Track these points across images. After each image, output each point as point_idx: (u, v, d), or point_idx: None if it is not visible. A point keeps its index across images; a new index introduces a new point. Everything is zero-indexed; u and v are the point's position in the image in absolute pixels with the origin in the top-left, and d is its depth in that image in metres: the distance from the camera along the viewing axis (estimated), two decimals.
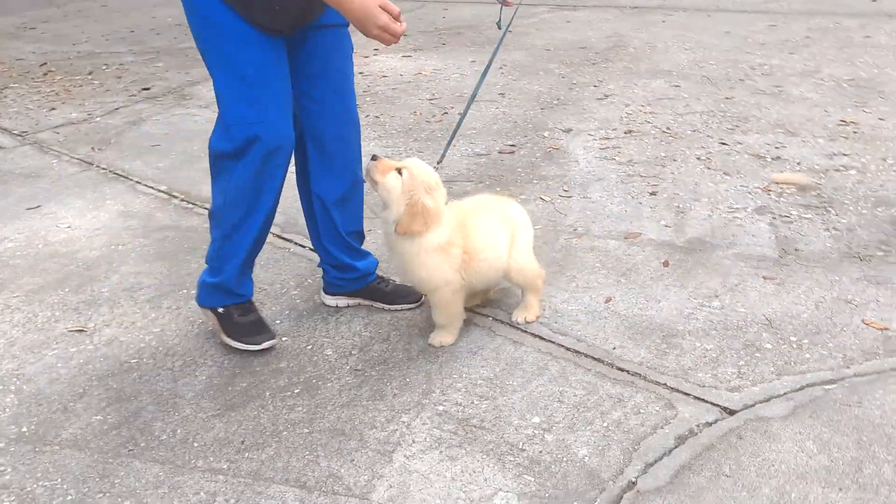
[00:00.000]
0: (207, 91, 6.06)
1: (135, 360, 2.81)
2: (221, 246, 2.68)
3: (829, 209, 3.78)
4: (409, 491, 2.18)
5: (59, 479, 2.27)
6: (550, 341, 2.83)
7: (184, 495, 2.20)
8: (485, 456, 2.29)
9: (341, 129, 2.70)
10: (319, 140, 2.69)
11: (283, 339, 2.92)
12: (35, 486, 2.24)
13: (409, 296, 3.05)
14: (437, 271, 2.61)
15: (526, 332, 2.88)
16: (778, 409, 2.43)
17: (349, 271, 2.98)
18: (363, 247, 3.06)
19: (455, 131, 2.87)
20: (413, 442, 2.36)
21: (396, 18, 2.27)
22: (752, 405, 2.45)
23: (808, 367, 2.63)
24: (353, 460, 2.30)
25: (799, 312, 2.93)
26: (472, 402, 2.52)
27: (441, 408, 2.51)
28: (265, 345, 2.76)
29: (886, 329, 2.81)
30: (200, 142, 4.96)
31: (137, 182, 4.42)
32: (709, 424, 2.38)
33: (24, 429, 2.48)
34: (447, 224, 2.61)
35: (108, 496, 2.19)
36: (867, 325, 2.84)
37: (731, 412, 2.43)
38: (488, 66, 3.01)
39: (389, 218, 2.60)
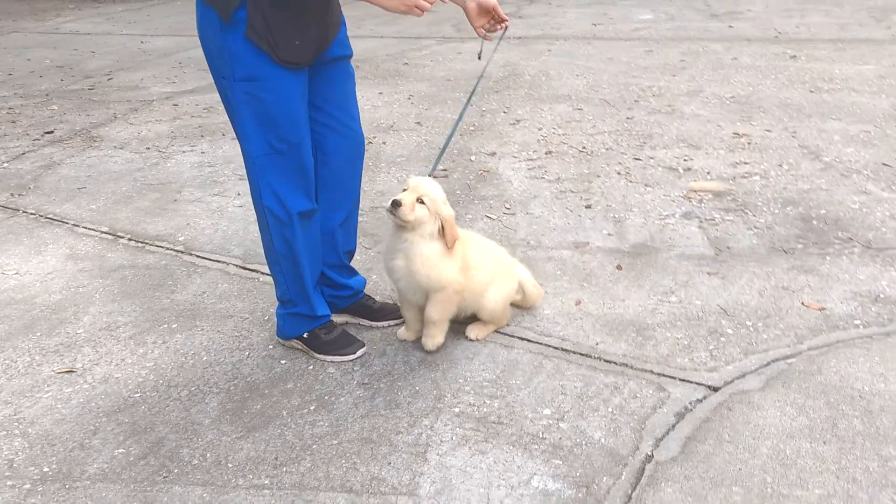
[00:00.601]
0: (117, 132, 6.04)
1: (138, 395, 2.86)
2: (285, 280, 2.88)
3: (746, 211, 4.25)
4: (451, 484, 2.37)
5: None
6: (538, 342, 3.09)
7: None
8: (511, 447, 2.52)
9: (352, 150, 2.89)
10: (331, 163, 2.86)
11: (282, 361, 3.04)
12: None
13: (394, 312, 3.24)
14: (448, 270, 2.83)
15: (514, 336, 3.13)
16: (753, 383, 2.78)
17: (343, 289, 3.15)
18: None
19: (442, 152, 3.11)
20: (441, 441, 2.56)
21: None
22: (731, 381, 2.79)
23: (767, 346, 3.01)
24: (390, 463, 2.47)
25: (747, 301, 3.33)
26: (484, 402, 2.74)
27: (457, 409, 2.71)
28: (360, 353, 3.02)
29: (823, 309, 3.24)
30: (128, 182, 4.98)
31: (75, 225, 4.39)
32: (699, 401, 2.70)
33: (46, 468, 2.50)
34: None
35: None
36: (807, 307, 3.27)
37: (715, 389, 2.76)
38: (471, 95, 3.28)
39: (423, 235, 2.80)
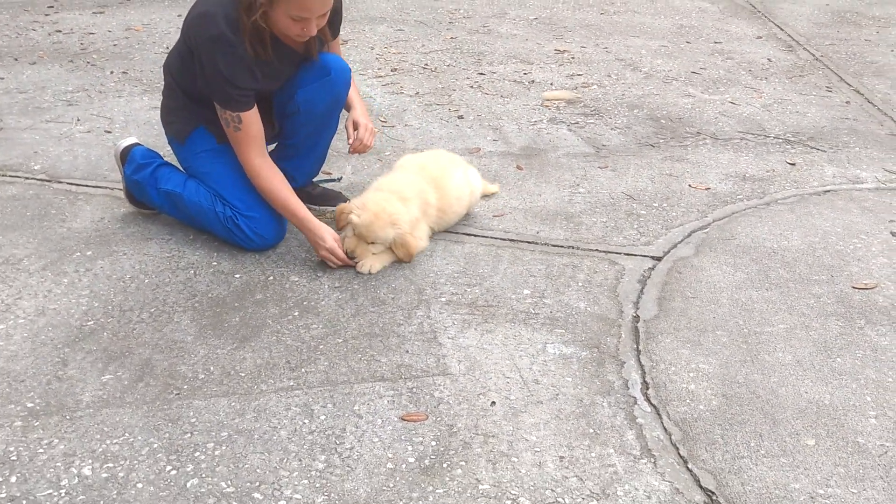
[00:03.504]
0: None
1: (91, 322, 2.66)
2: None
3: (601, 115, 4.69)
4: (477, 360, 2.52)
5: (128, 434, 2.19)
6: (485, 236, 3.28)
7: (277, 414, 2.28)
8: (512, 324, 2.71)
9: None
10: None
11: (237, 276, 2.96)
12: (106, 445, 2.14)
13: (336, 199, 3.33)
14: (418, 244, 3.09)
15: (460, 233, 3.29)
16: (686, 251, 3.19)
17: None
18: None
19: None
20: (445, 327, 2.68)
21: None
22: (669, 251, 3.18)
23: (680, 220, 3.44)
24: (408, 351, 2.56)
25: (644, 187, 3.75)
26: (465, 291, 2.90)
27: (443, 299, 2.84)
28: None
29: (709, 189, 3.75)
30: None
31: None
32: (651, 269, 3.06)
33: (30, 404, 2.29)
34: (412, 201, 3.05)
35: (201, 433, 2.19)
36: (694, 188, 3.75)
37: (658, 259, 3.13)
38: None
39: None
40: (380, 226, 2.85)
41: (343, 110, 3.23)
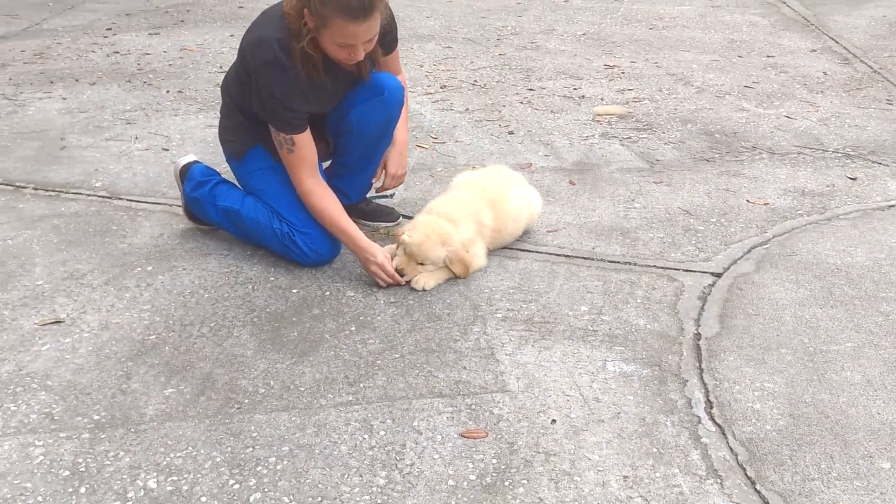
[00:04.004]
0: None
1: (153, 337, 2.70)
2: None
3: (654, 130, 4.65)
4: (535, 378, 2.50)
5: (191, 448, 2.20)
6: (538, 252, 3.26)
7: (337, 429, 2.28)
8: (570, 341, 2.68)
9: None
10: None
11: (294, 290, 2.98)
12: (170, 458, 2.16)
13: (390, 215, 3.34)
14: (477, 261, 3.11)
15: (514, 249, 3.27)
16: (746, 267, 3.14)
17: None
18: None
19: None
20: (502, 343, 2.66)
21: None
22: (729, 267, 3.13)
23: (739, 236, 3.38)
24: (465, 367, 2.54)
25: (700, 202, 3.70)
26: (521, 307, 2.87)
27: (499, 315, 2.82)
28: None
29: (767, 204, 3.68)
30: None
31: None
32: (711, 286, 3.01)
33: (97, 416, 2.33)
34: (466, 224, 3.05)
35: (263, 447, 2.20)
36: (752, 203, 3.69)
37: (718, 275, 3.08)
38: None
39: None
40: (429, 246, 2.86)
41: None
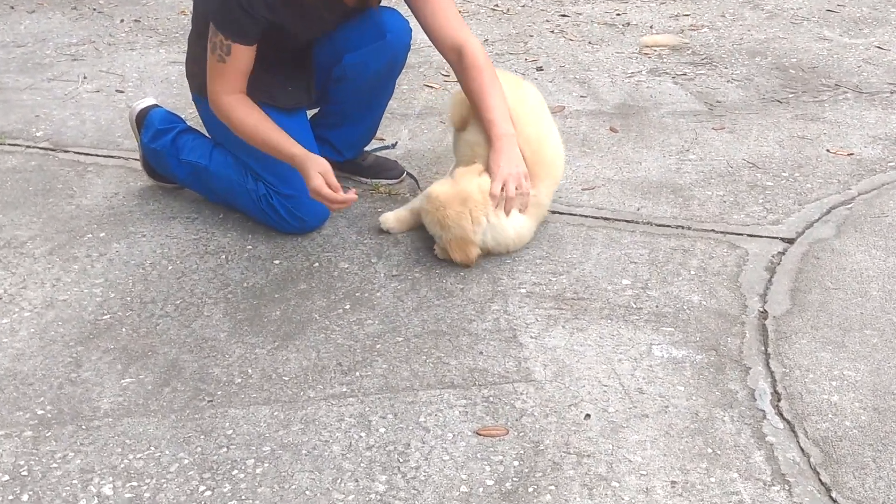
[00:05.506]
0: None
1: (107, 317, 2.74)
2: None
3: (715, 64, 4.63)
4: (566, 364, 2.52)
5: (153, 448, 2.24)
6: (572, 214, 3.27)
7: (329, 425, 2.31)
8: (609, 321, 2.70)
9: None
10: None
11: (276, 261, 3.02)
12: (129, 460, 2.20)
13: (392, 170, 3.36)
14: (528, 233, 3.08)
15: None
16: (825, 231, 3.14)
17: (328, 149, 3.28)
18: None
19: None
20: (527, 324, 2.68)
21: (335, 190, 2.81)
22: (803, 232, 3.13)
23: (816, 194, 3.39)
24: (482, 352, 2.57)
25: (770, 153, 3.69)
26: (549, 280, 2.89)
27: (523, 290, 2.84)
28: None
29: (852, 154, 3.67)
30: None
31: None
32: (781, 254, 3.02)
33: (41, 411, 2.37)
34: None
35: (239, 447, 2.23)
36: (833, 153, 3.69)
37: (790, 241, 3.08)
38: None
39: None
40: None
41: (477, 118, 3.03)
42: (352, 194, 2.79)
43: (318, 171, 2.77)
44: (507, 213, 2.86)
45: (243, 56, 2.80)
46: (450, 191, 2.85)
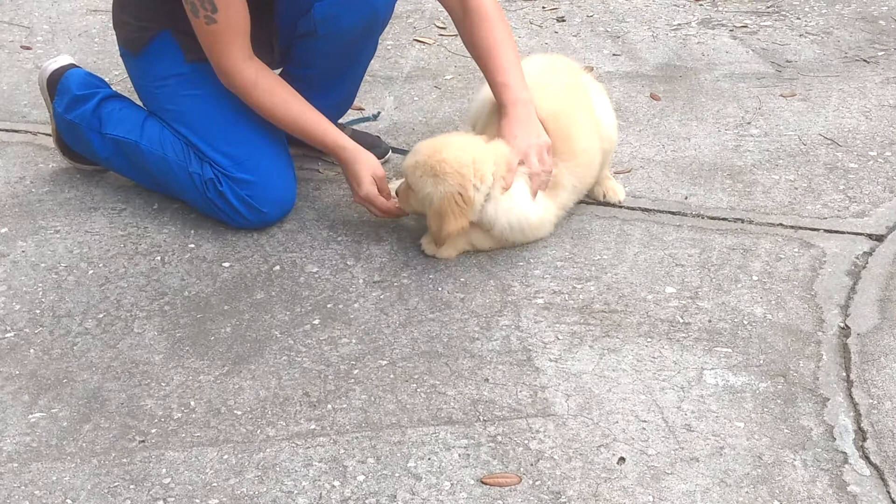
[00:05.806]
0: None
1: (11, 335, 2.76)
2: None
3: (785, 14, 4.67)
4: (594, 394, 2.54)
5: (69, 501, 2.26)
6: (600, 204, 3.29)
7: (292, 472, 2.33)
8: (649, 340, 2.72)
9: None
10: None
11: (225, 264, 3.04)
12: None
13: (374, 148, 3.38)
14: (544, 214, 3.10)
15: None
16: None
17: None
18: None
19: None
20: (545, 343, 2.71)
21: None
22: (895, 227, 3.15)
23: None
24: (488, 379, 2.59)
25: (853, 126, 3.73)
26: (574, 287, 2.92)
27: (540, 300, 2.87)
28: None
29: None
30: None
31: None
32: (868, 254, 3.04)
33: None
34: None
35: (179, 499, 2.25)
36: None
37: (879, 238, 3.11)
38: None
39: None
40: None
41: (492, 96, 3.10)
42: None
43: (371, 175, 2.85)
44: (534, 193, 2.86)
45: (236, 6, 2.82)
46: (451, 137, 2.90)
